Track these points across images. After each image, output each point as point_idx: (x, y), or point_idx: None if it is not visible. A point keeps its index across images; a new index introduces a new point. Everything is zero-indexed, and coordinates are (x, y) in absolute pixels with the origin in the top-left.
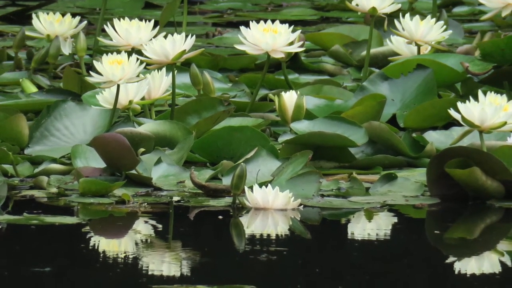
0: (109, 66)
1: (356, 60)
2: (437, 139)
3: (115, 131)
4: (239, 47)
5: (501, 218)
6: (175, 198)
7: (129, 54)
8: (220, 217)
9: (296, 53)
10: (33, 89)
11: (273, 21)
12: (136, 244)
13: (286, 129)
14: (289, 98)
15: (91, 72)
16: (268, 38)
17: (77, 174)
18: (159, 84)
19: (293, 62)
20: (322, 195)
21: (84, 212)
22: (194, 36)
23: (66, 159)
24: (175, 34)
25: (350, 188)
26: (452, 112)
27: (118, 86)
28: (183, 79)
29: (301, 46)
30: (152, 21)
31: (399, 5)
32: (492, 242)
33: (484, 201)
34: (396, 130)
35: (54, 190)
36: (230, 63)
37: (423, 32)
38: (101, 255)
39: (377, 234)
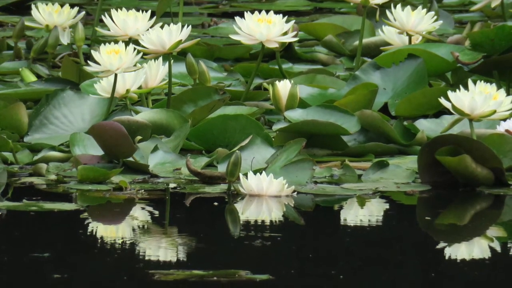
0: (107, 56)
1: (348, 50)
2: (428, 127)
3: (112, 119)
4: (234, 37)
5: (490, 204)
6: (172, 185)
7: (127, 44)
8: (216, 203)
9: (290, 43)
10: (32, 78)
11: (267, 11)
12: (133, 230)
13: (280, 118)
14: (283, 87)
15: (89, 62)
16: (263, 28)
17: (76, 161)
18: (155, 74)
19: (287, 51)
20: (315, 182)
21: (82, 199)
22: (190, 27)
23: (64, 147)
24: (171, 24)
25: (342, 175)
26: (442, 100)
27: (116, 75)
28: (179, 68)
29: (295, 36)
30: (149, 12)
31: None
32: (481, 228)
33: (474, 188)
34: (388, 118)
35: (53, 177)
36: (225, 52)
37: (414, 23)
38: (99, 240)
39: (369, 220)
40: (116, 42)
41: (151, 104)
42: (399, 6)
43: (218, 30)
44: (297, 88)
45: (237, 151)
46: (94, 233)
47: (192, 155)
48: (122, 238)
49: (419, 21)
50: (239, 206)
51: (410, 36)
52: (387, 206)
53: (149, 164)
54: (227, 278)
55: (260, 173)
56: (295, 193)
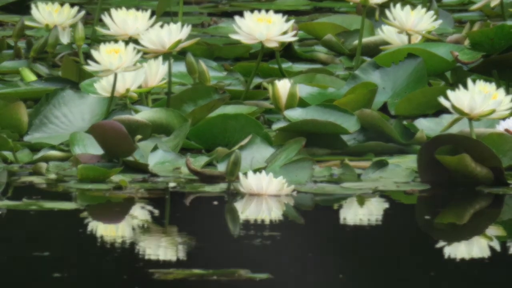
0: (107, 55)
1: (348, 49)
2: (427, 127)
3: (112, 118)
4: (233, 36)
5: (490, 204)
6: (171, 184)
7: (126, 43)
8: (215, 202)
9: (290, 43)
10: (32, 77)
11: (267, 11)
12: (133, 229)
13: (279, 117)
14: (283, 86)
15: (89, 61)
16: (262, 27)
17: (76, 160)
18: (155, 73)
19: (287, 51)
20: (315, 181)
21: (82, 198)
22: (189, 26)
23: (64, 146)
24: (171, 23)
25: (342, 175)
26: (442, 100)
27: (116, 74)
28: (179, 67)
29: (295, 35)
30: (149, 11)
31: None
32: (481, 227)
33: (473, 187)
34: (387, 117)
35: (52, 176)
36: (225, 52)
37: (413, 22)
38: (99, 240)
39: (368, 220)
40: (116, 41)
41: (151, 104)
42: (398, 5)
43: (218, 29)
44: (296, 87)
45: (236, 150)
46: (94, 232)
47: (192, 154)
48: (122, 237)
49: (419, 21)
50: (238, 205)
51: (409, 36)
52: (386, 205)
53: (149, 163)
54: (227, 277)
55: (260, 173)
56: (295, 192)
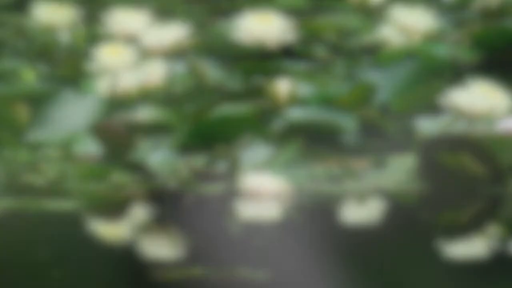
0: (107, 55)
1: (348, 49)
2: (427, 126)
3: (112, 118)
4: (233, 36)
5: (489, 204)
6: (171, 184)
7: (127, 43)
8: (215, 202)
9: (290, 42)
10: (32, 77)
11: (267, 10)
12: (133, 229)
13: (279, 117)
14: (283, 85)
15: (89, 61)
16: (262, 27)
17: (76, 160)
18: (155, 73)
19: (287, 50)
20: (314, 181)
21: (82, 198)
22: (190, 25)
23: (64, 146)
24: (171, 23)
25: (342, 174)
26: (441, 99)
27: (116, 74)
28: (179, 67)
29: (295, 34)
30: (149, 11)
31: None
32: (481, 227)
33: (473, 187)
34: (387, 117)
35: (52, 176)
36: (225, 51)
37: (413, 21)
38: (98, 240)
39: (368, 220)
40: (116, 41)
41: (150, 104)
42: (398, 5)
43: (218, 28)
44: (296, 86)
45: (236, 150)
46: (93, 232)
47: (192, 154)
48: (122, 237)
49: (419, 20)
50: (238, 205)
51: (409, 35)
52: (386, 205)
53: (149, 163)
54: (226, 277)
55: (259, 173)
56: (294, 192)
